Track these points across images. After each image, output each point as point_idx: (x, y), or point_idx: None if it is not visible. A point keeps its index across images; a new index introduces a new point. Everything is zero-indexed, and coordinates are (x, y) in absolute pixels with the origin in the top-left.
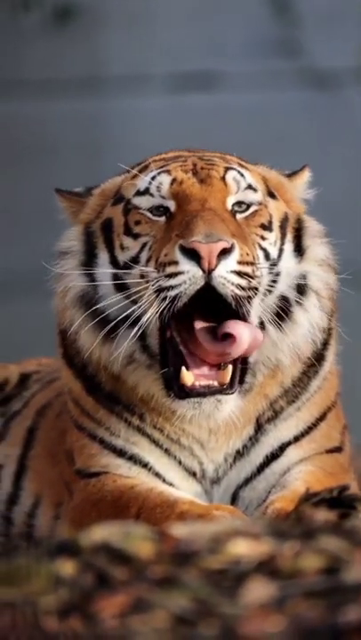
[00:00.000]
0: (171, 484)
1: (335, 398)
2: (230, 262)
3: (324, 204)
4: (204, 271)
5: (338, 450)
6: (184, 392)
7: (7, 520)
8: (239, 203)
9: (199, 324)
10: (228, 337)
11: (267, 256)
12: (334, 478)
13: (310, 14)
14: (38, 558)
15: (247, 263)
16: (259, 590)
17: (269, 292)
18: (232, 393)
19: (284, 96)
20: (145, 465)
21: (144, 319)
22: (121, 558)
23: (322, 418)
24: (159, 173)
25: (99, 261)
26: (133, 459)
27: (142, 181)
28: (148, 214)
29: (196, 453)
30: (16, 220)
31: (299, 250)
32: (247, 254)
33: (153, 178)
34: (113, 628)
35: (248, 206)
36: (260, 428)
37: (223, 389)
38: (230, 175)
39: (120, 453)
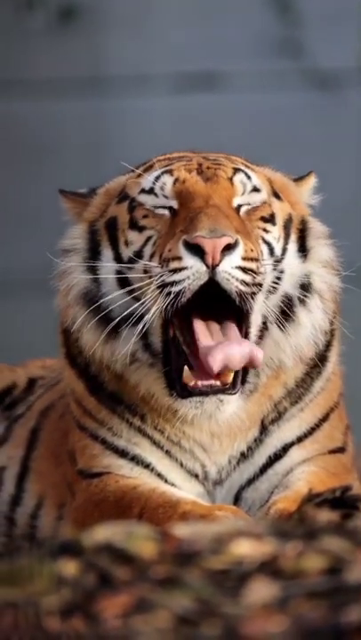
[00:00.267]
0: (173, 485)
1: (338, 399)
2: (235, 258)
3: (325, 205)
4: (207, 266)
5: (341, 450)
6: (186, 391)
7: (10, 521)
8: (244, 204)
9: (198, 324)
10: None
11: (271, 251)
12: (337, 479)
13: (313, 15)
14: (41, 558)
15: (251, 259)
16: (261, 590)
17: (273, 290)
18: (234, 393)
19: (287, 96)
20: (147, 466)
21: (147, 316)
22: (123, 558)
23: (325, 419)
24: (163, 173)
25: (102, 259)
26: (135, 459)
27: (146, 181)
28: (154, 210)
29: (198, 456)
30: (17, 220)
31: (303, 250)
32: (251, 250)
33: (157, 178)
34: (115, 628)
35: (251, 205)
36: (264, 429)
37: (226, 389)
38: (238, 177)
39: (122, 454)
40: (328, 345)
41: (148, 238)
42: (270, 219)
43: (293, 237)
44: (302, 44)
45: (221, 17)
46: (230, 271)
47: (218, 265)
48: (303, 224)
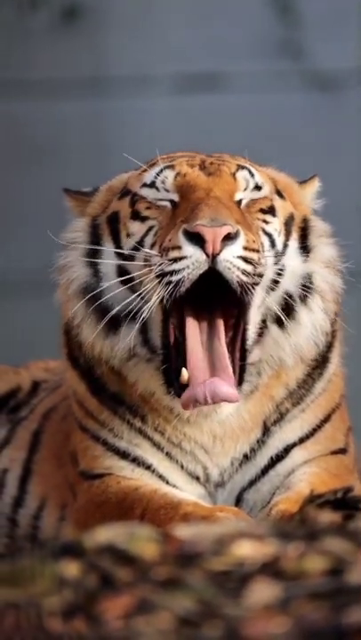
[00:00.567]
0: (174, 487)
1: (340, 400)
2: (236, 248)
3: (326, 204)
4: (208, 255)
5: (342, 451)
6: (184, 390)
7: (12, 522)
8: (245, 199)
9: (190, 322)
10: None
11: (272, 243)
12: (339, 480)
13: (313, 15)
14: (43, 559)
15: (253, 250)
16: (263, 591)
17: (274, 287)
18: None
19: (287, 97)
20: (148, 467)
21: (146, 306)
22: (125, 559)
23: (326, 420)
24: (164, 168)
25: (103, 253)
26: (137, 461)
27: (148, 175)
28: (155, 202)
29: (200, 458)
30: (17, 220)
31: (305, 249)
32: (253, 242)
33: (158, 172)
34: (117, 629)
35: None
36: (266, 430)
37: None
38: (242, 173)
39: (123, 455)
40: (329, 346)
41: (150, 228)
42: (270, 210)
43: (295, 236)
44: (303, 45)
45: (222, 18)
46: (232, 260)
47: (218, 254)
48: (305, 222)
